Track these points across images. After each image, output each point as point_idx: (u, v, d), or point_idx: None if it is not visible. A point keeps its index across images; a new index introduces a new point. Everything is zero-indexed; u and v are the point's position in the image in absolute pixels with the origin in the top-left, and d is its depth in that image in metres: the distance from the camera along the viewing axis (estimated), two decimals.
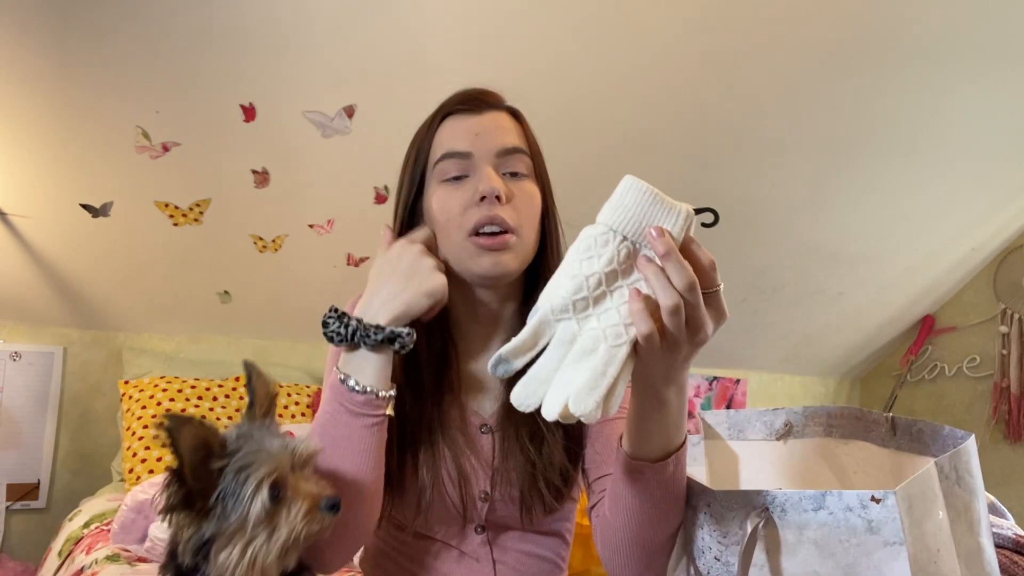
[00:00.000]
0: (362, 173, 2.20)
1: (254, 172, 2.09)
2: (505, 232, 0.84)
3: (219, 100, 1.90)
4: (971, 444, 0.66)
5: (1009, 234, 3.30)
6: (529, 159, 0.89)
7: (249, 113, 1.94)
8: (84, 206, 2.04)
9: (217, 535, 0.63)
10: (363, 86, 1.97)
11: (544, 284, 0.91)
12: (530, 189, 0.88)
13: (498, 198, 0.83)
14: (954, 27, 2.14)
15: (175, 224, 2.15)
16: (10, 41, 1.67)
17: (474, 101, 0.89)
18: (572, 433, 0.91)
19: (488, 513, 0.90)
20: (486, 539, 0.91)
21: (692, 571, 0.69)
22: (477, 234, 0.84)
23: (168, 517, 0.63)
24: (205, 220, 2.17)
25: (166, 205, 2.11)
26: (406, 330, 0.77)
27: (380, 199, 2.27)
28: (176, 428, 0.60)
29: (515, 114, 0.92)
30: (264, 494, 0.63)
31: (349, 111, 2.01)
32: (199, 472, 0.62)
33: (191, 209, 2.14)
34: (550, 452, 0.88)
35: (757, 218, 2.75)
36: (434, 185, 0.88)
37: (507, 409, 0.90)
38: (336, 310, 0.78)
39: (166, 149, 1.97)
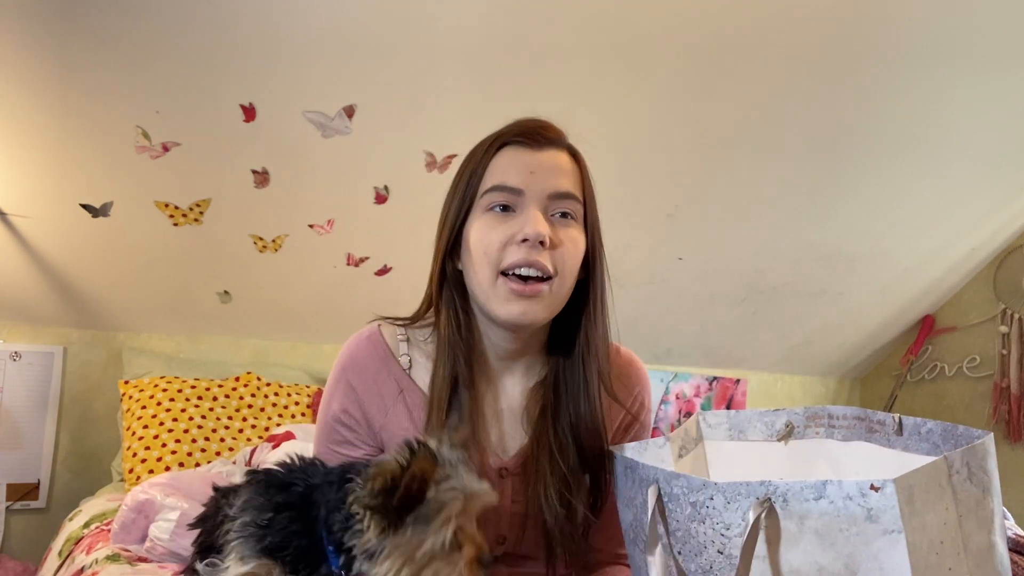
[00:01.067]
0: (362, 173, 2.20)
1: (254, 172, 2.09)
2: (540, 280, 0.82)
3: (219, 100, 1.90)
4: (989, 442, 0.65)
5: (1009, 234, 3.30)
6: (581, 206, 0.86)
7: (249, 113, 1.94)
8: (84, 206, 2.04)
9: (392, 548, 0.64)
10: (363, 86, 1.97)
11: (577, 330, 0.90)
12: (575, 235, 0.85)
13: (542, 243, 0.80)
14: (954, 26, 2.14)
15: (175, 224, 2.15)
16: (11, 42, 1.67)
17: (535, 135, 0.86)
18: (592, 499, 0.89)
19: (506, 550, 0.89)
20: (504, 567, 0.91)
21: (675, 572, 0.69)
22: (509, 275, 0.81)
23: (358, 510, 0.65)
24: (205, 220, 2.17)
25: (166, 205, 2.11)
26: None
27: (380, 199, 2.27)
28: (414, 460, 0.64)
29: (574, 154, 0.89)
30: (448, 533, 0.65)
31: (349, 111, 2.01)
32: (408, 497, 0.65)
33: (191, 209, 2.14)
34: (569, 503, 0.85)
35: (757, 218, 2.75)
36: (479, 213, 0.85)
37: (529, 455, 0.88)
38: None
39: (166, 149, 1.97)
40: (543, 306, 0.83)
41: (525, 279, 0.81)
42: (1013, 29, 2.20)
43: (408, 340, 0.93)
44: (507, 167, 0.84)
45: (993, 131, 2.61)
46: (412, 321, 0.93)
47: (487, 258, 0.82)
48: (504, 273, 0.82)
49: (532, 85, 2.06)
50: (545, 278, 0.82)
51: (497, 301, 0.82)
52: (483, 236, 0.83)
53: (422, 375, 0.91)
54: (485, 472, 0.88)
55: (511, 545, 0.89)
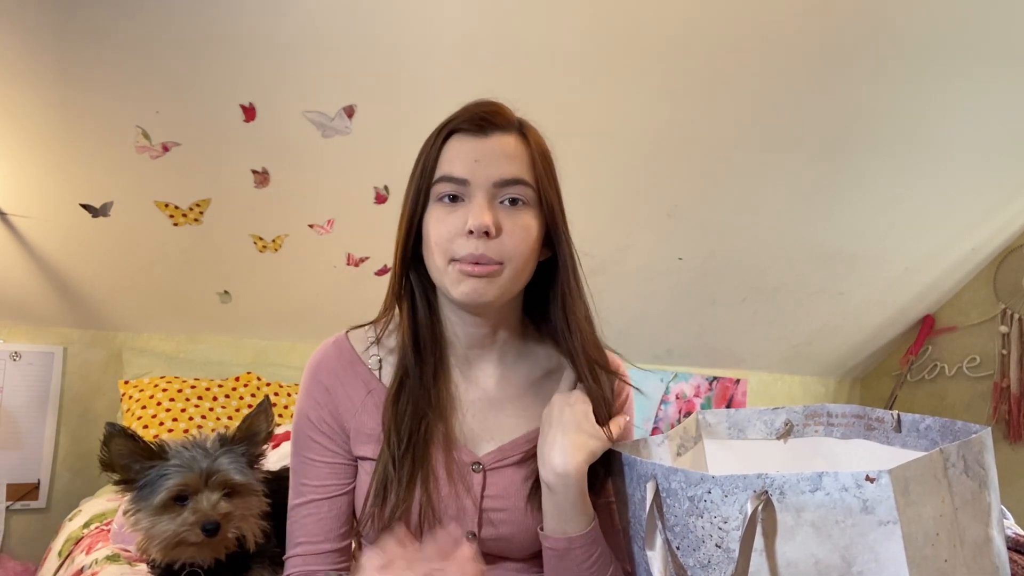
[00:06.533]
0: (362, 173, 2.20)
1: (254, 172, 2.10)
2: (492, 263, 0.83)
3: (219, 100, 1.90)
4: (986, 436, 0.66)
5: (1009, 234, 3.30)
6: (530, 189, 0.85)
7: (249, 113, 1.95)
8: (84, 206, 2.04)
9: (137, 502, 0.90)
10: (363, 86, 1.97)
11: (548, 313, 0.92)
12: (526, 221, 0.85)
13: (487, 233, 0.81)
14: (954, 26, 2.15)
15: (175, 224, 2.15)
16: (10, 41, 1.67)
17: (480, 122, 0.86)
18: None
19: (479, 547, 0.88)
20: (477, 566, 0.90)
21: (672, 570, 0.69)
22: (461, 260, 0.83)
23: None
24: (205, 220, 2.17)
25: (166, 205, 2.11)
26: None
27: (380, 199, 2.27)
28: (110, 440, 0.89)
29: (524, 134, 0.88)
30: (163, 495, 0.88)
31: (349, 111, 2.02)
32: (126, 467, 0.91)
33: (191, 209, 2.14)
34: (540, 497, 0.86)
35: (757, 218, 2.75)
36: (432, 203, 0.86)
37: (502, 449, 0.89)
38: None
39: (166, 149, 1.97)
40: (495, 286, 0.83)
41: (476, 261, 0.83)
42: (1013, 28, 2.20)
43: (378, 342, 0.94)
44: (453, 157, 0.85)
45: (993, 131, 2.61)
46: (378, 322, 0.94)
47: (439, 248, 0.84)
48: (454, 261, 0.84)
49: (532, 85, 2.06)
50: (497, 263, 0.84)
51: (451, 282, 0.84)
52: (434, 227, 0.85)
53: (391, 375, 0.92)
54: (453, 464, 0.87)
55: (483, 543, 0.88)
